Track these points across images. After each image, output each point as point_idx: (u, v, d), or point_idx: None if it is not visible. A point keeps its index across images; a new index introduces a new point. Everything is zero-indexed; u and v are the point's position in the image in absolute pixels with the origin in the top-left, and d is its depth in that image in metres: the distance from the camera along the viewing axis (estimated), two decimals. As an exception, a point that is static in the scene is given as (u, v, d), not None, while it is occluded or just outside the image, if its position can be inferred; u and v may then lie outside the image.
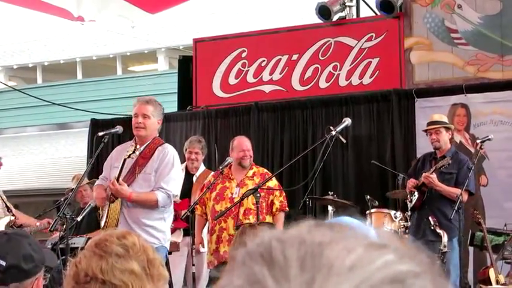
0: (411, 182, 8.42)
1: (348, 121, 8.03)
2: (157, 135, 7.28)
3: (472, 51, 10.59)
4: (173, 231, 8.71)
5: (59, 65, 25.26)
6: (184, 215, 8.40)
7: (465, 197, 8.21)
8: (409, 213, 8.37)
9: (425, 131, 8.69)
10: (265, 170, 8.80)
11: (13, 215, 8.70)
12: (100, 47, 24.49)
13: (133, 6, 11.85)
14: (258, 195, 7.99)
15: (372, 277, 0.80)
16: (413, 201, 8.41)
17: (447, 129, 8.57)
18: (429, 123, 8.67)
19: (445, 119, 8.75)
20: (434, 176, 8.24)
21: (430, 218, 8.05)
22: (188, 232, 8.84)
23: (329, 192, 8.79)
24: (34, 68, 25.84)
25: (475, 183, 8.99)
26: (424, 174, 8.30)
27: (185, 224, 8.73)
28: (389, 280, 0.80)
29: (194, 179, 9.32)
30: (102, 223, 7.06)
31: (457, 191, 8.13)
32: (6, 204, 8.78)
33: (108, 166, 7.24)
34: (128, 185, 6.92)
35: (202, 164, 9.52)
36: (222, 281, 0.86)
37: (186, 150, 9.43)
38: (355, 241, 0.84)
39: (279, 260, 0.82)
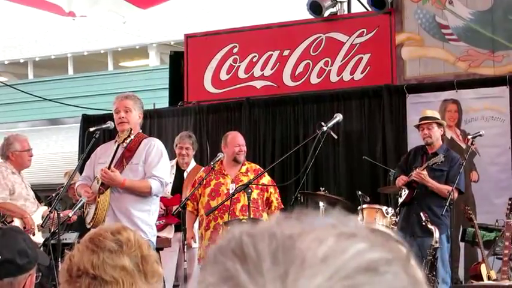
0: (401, 180, 8.42)
1: (339, 117, 8.02)
2: (140, 130, 7.29)
3: (463, 47, 10.60)
4: (164, 227, 8.70)
5: (50, 61, 25.18)
6: (175, 210, 8.39)
7: (455, 194, 8.22)
8: (398, 208, 8.40)
9: (418, 126, 8.69)
10: (258, 166, 8.78)
11: (45, 204, 8.64)
12: (91, 42, 24.41)
13: (124, 2, 11.82)
14: (250, 191, 7.98)
15: (345, 267, 0.80)
16: (403, 197, 8.42)
17: (439, 125, 8.57)
18: (422, 119, 8.67)
19: (437, 115, 8.76)
20: (425, 172, 8.25)
21: (421, 214, 8.05)
22: (180, 228, 8.82)
23: (321, 188, 8.79)
24: (25, 64, 25.76)
25: (466, 181, 9.00)
26: (415, 171, 8.30)
27: (176, 219, 8.70)
28: (363, 269, 0.80)
29: (185, 174, 9.30)
30: (89, 218, 6.98)
31: (448, 188, 8.14)
32: (36, 194, 8.73)
33: (92, 164, 7.21)
34: None
35: (193, 160, 9.49)
36: (198, 278, 0.86)
37: (176, 145, 9.41)
38: (325, 231, 0.83)
39: (251, 254, 0.82)
